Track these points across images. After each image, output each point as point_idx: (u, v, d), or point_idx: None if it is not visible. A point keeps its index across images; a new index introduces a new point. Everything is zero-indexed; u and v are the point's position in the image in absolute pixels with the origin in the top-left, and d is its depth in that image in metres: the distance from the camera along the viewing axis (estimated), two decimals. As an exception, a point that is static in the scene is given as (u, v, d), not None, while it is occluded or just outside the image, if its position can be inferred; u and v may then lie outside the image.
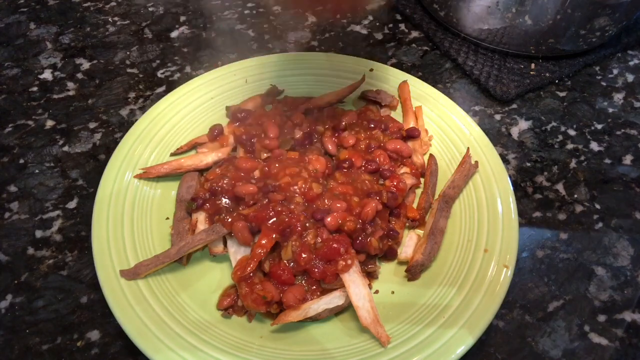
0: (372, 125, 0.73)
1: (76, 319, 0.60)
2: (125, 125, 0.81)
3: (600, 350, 0.59)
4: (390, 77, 0.82)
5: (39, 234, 0.68)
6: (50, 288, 0.63)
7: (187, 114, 0.76)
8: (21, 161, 0.77)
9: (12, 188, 0.73)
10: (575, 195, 0.74)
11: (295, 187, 0.62)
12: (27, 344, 0.58)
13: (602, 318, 0.62)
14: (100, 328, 0.59)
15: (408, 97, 0.79)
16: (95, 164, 0.76)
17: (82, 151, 0.78)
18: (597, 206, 0.73)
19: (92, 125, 0.82)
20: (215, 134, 0.73)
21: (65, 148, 0.79)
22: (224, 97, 0.79)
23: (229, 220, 0.62)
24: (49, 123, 0.82)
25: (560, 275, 0.66)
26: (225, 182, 0.64)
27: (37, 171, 0.75)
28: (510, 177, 0.69)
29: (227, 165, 0.67)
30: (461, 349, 0.53)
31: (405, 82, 0.80)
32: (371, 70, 0.83)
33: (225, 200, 0.64)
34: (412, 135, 0.74)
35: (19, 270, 0.64)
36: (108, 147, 0.78)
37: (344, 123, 0.73)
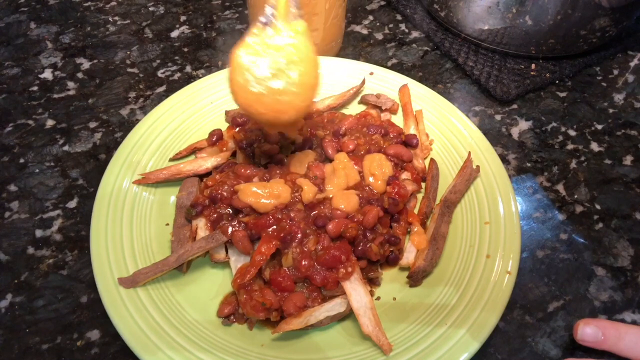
0: (372, 130, 0.72)
1: (76, 319, 0.60)
2: (126, 125, 0.81)
3: (601, 351, 0.59)
4: (391, 81, 0.82)
5: (39, 233, 0.68)
6: (50, 287, 0.63)
7: (187, 119, 0.76)
8: (21, 160, 0.77)
9: (12, 187, 0.73)
10: (576, 196, 0.74)
11: (296, 194, 0.61)
12: (27, 344, 0.58)
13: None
14: (100, 328, 0.59)
15: (408, 101, 0.78)
16: (95, 163, 0.76)
17: (82, 151, 0.78)
18: (597, 206, 0.73)
19: (92, 124, 0.82)
20: (214, 139, 0.73)
21: (66, 147, 0.78)
22: (223, 101, 0.78)
23: (229, 228, 0.61)
24: (49, 122, 0.82)
25: (560, 276, 0.66)
26: (225, 189, 0.63)
27: (37, 171, 0.75)
28: (510, 177, 0.69)
29: (227, 172, 0.66)
30: (464, 356, 0.52)
31: (405, 85, 0.80)
32: (371, 74, 0.82)
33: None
34: (409, 143, 0.72)
35: (19, 269, 0.64)
36: (108, 147, 0.78)
37: (343, 128, 0.72)
